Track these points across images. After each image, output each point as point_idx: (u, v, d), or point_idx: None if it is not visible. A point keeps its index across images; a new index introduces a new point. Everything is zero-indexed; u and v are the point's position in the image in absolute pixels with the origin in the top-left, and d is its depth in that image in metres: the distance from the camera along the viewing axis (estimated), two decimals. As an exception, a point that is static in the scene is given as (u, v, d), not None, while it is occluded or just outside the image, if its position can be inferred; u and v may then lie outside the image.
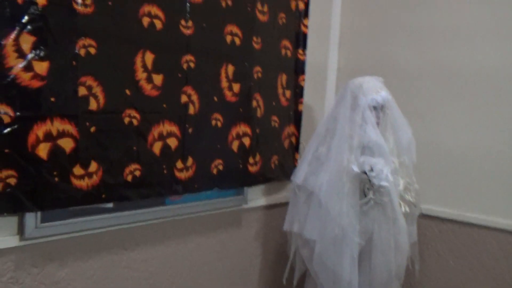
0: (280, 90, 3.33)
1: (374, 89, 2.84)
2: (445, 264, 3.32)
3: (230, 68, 2.89)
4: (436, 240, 3.35)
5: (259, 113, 3.13)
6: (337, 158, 2.79)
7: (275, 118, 3.30)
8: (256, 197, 3.29)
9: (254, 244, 3.32)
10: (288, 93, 3.40)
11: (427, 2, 3.39)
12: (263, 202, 3.35)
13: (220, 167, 2.89)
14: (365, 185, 2.74)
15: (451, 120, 3.29)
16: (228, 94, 2.90)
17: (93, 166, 2.25)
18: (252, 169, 3.11)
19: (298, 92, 3.51)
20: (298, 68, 3.50)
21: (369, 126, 2.78)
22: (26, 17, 1.98)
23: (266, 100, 3.20)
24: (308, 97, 3.61)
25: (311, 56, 3.60)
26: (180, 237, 2.82)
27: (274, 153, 3.31)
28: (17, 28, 1.96)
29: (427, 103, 3.39)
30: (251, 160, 3.09)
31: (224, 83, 2.87)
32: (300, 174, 2.97)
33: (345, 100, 2.89)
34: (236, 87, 2.94)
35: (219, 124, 2.86)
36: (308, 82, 3.59)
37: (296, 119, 3.51)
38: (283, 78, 3.34)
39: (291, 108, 3.45)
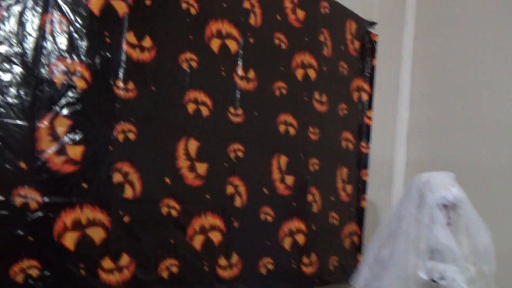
0: (340, 185, 3.10)
1: (444, 185, 2.54)
2: None
3: (283, 159, 2.73)
4: None
5: (315, 208, 2.91)
6: (402, 262, 2.46)
7: (334, 214, 3.04)
8: (312, 302, 2.96)
9: None
10: (349, 188, 3.16)
11: (507, 96, 3.12)
12: (320, 308, 3.01)
13: (270, 266, 2.64)
14: (435, 296, 2.38)
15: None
16: (280, 186, 2.71)
17: (125, 260, 2.08)
18: (307, 270, 2.83)
19: (360, 187, 3.27)
20: (361, 161, 3.28)
21: (438, 227, 2.45)
22: (63, 100, 1.93)
23: (324, 195, 2.97)
24: (372, 193, 3.35)
25: (376, 149, 3.39)
26: None
27: (333, 253, 3.03)
28: (53, 111, 1.91)
29: (509, 205, 3.01)
30: (305, 260, 2.82)
31: (276, 175, 2.69)
32: (360, 279, 2.65)
33: (410, 198, 2.60)
34: (289, 179, 2.75)
35: (269, 218, 2.65)
36: (372, 177, 3.35)
37: (359, 216, 3.25)
38: (343, 172, 3.12)
39: (352, 205, 3.20)
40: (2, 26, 1.82)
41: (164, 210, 2.22)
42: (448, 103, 3.46)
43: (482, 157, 3.19)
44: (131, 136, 2.12)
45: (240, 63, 2.56)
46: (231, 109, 2.50)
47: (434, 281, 2.32)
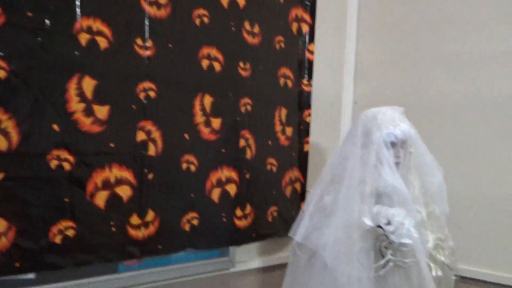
0: (278, 127, 2.77)
1: (392, 121, 2.28)
2: None
3: (208, 99, 2.37)
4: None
5: (249, 154, 2.58)
6: (346, 209, 2.21)
7: (272, 160, 2.73)
8: (248, 258, 2.69)
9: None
10: (289, 130, 2.83)
11: (460, 26, 2.80)
12: (258, 263, 2.74)
13: (195, 222, 2.33)
14: (382, 243, 2.14)
15: (494, 162, 2.65)
16: (204, 130, 2.37)
17: (2, 225, 1.72)
18: (241, 223, 2.54)
19: (302, 130, 2.95)
20: (302, 101, 2.95)
21: (386, 167, 2.21)
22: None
23: (259, 139, 2.65)
24: (316, 136, 3.04)
25: (319, 87, 3.05)
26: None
27: (272, 204, 2.73)
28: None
29: (463, 141, 2.76)
30: (238, 213, 2.52)
31: (199, 118, 2.34)
32: (301, 229, 2.39)
33: (355, 136, 2.33)
34: (216, 122, 2.41)
35: (192, 167, 2.32)
36: (316, 117, 3.03)
37: (301, 161, 2.94)
38: (282, 113, 2.79)
39: (294, 149, 2.88)
40: None
41: (54, 163, 1.85)
42: (398, 36, 3.14)
43: (437, 92, 2.90)
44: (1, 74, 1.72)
45: (147, -16, 2.15)
46: (138, 41, 2.10)
47: (380, 227, 2.09)
